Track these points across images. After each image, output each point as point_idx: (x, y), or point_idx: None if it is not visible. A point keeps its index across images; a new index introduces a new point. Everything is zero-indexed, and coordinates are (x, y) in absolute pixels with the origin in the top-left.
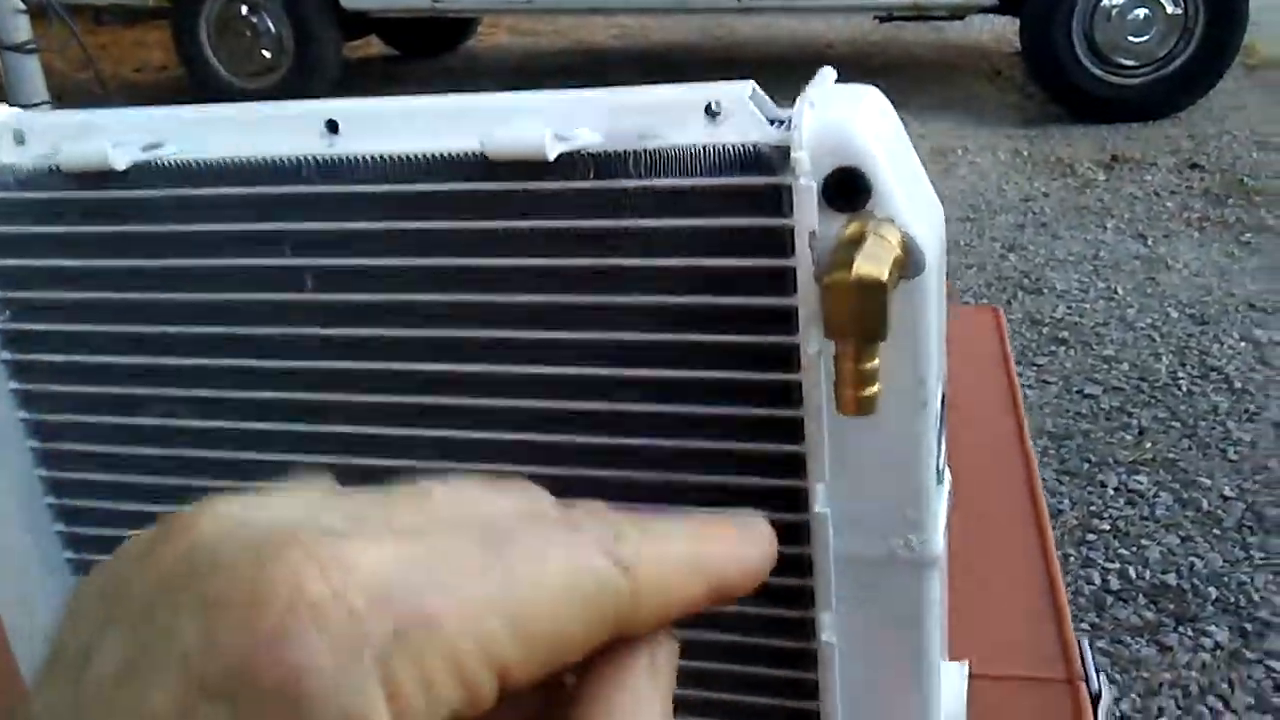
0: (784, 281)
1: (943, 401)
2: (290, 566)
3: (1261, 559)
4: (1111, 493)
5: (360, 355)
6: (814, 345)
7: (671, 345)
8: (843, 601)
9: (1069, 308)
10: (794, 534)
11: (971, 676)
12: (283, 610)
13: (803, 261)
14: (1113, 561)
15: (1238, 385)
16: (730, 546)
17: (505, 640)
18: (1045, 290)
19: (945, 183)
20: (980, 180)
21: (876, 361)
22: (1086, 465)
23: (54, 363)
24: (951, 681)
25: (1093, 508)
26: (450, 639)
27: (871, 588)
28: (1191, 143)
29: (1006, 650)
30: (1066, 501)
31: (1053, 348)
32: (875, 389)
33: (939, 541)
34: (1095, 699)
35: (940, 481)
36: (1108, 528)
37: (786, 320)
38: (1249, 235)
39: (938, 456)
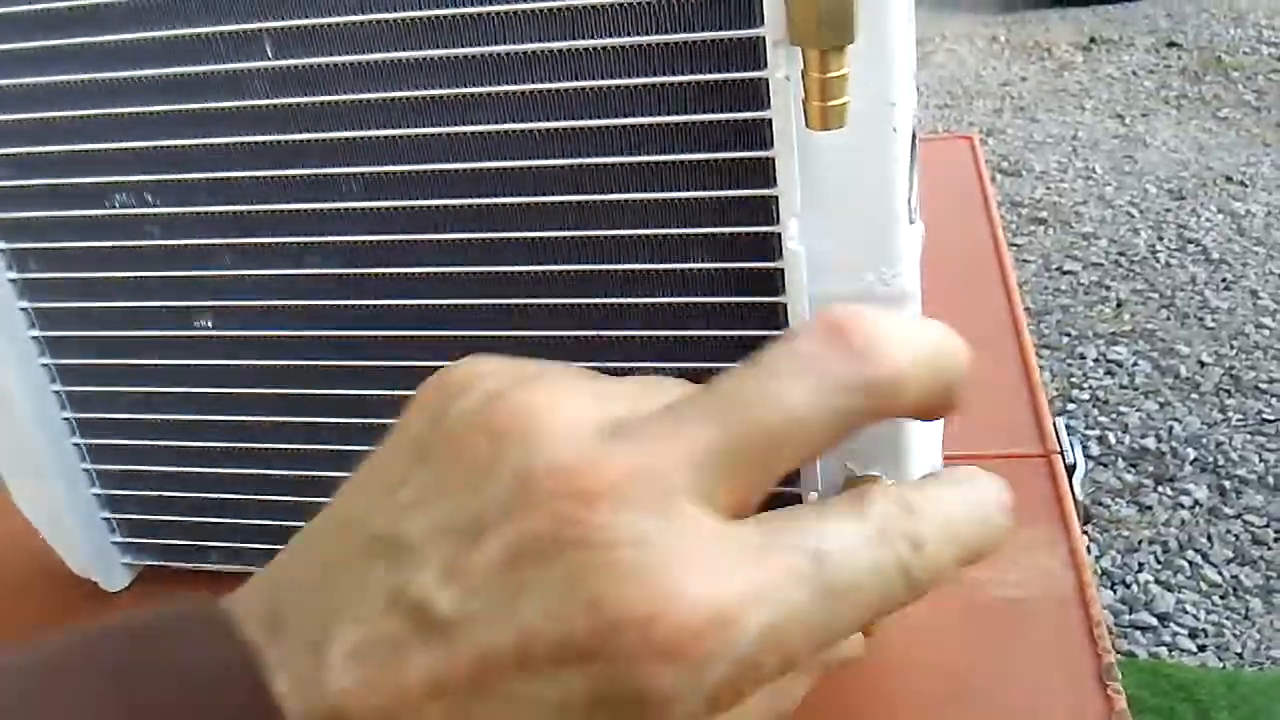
0: (750, 10)
1: (913, 139)
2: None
3: (1239, 420)
4: (1091, 364)
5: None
6: (781, 69)
7: (638, 87)
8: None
9: (1048, 188)
10: (768, 283)
11: (948, 458)
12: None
13: None
14: (1093, 429)
15: (1215, 256)
16: (987, 514)
17: (808, 643)
18: (1024, 172)
19: (923, 71)
20: (958, 68)
21: (845, 70)
22: (1066, 339)
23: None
24: (926, 438)
25: (1073, 379)
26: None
27: None
28: (1169, 21)
29: (982, 431)
30: (1047, 374)
31: (1032, 228)
32: (844, 100)
33: (914, 276)
34: (1070, 470)
35: (913, 221)
36: (1087, 397)
37: (756, 55)
38: (1226, 111)
39: (910, 191)
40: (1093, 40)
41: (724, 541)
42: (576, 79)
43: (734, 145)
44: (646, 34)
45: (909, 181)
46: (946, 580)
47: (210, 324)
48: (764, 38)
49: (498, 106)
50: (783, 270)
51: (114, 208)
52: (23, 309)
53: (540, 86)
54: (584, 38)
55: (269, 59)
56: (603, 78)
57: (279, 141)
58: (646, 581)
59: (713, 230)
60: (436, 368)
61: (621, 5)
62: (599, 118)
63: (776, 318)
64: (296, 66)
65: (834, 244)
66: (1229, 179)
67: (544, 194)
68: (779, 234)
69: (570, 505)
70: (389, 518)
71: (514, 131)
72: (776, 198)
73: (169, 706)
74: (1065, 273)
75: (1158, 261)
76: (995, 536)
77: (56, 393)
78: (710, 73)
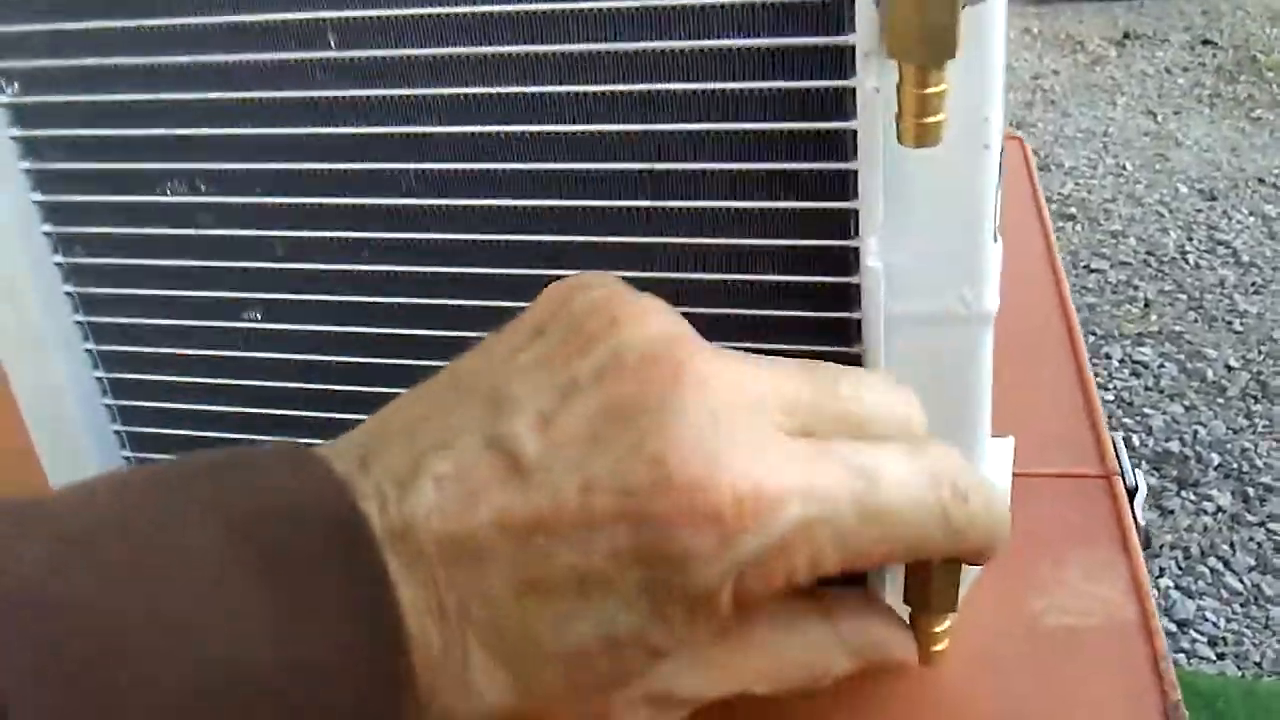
0: (839, 15)
1: (1001, 154)
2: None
3: (1265, 427)
4: (1116, 364)
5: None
6: (871, 80)
7: (718, 94)
8: (890, 366)
9: (1077, 184)
10: (843, 297)
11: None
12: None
13: None
14: (1116, 430)
15: (1245, 259)
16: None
17: (837, 552)
18: (1053, 167)
19: None
20: None
21: (943, 86)
22: (1092, 338)
23: (67, 137)
24: (998, 456)
25: (1098, 379)
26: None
27: (922, 349)
28: (1204, 19)
29: (1041, 448)
30: None
31: (1060, 224)
32: (940, 117)
33: (995, 298)
34: (1131, 493)
35: (996, 239)
36: (1112, 398)
37: (842, 63)
38: (1260, 111)
39: (996, 209)
40: (1126, 35)
41: (787, 446)
42: (653, 81)
43: (815, 156)
44: (728, 37)
45: (996, 198)
46: (976, 548)
47: (259, 316)
48: (853, 46)
49: (572, 107)
50: (858, 286)
51: (165, 195)
52: (68, 293)
53: (616, 88)
54: (663, 39)
55: (332, 49)
56: (681, 81)
57: (340, 135)
58: (707, 453)
59: (787, 242)
60: None
61: (702, 7)
62: (675, 122)
63: (849, 334)
64: (361, 59)
65: (914, 262)
66: (1261, 181)
67: (614, 198)
68: (856, 248)
69: (659, 377)
70: (504, 376)
71: (586, 134)
72: (856, 211)
73: (261, 519)
74: (1093, 270)
75: (1187, 263)
76: (1005, 540)
77: (99, 379)
78: (794, 80)
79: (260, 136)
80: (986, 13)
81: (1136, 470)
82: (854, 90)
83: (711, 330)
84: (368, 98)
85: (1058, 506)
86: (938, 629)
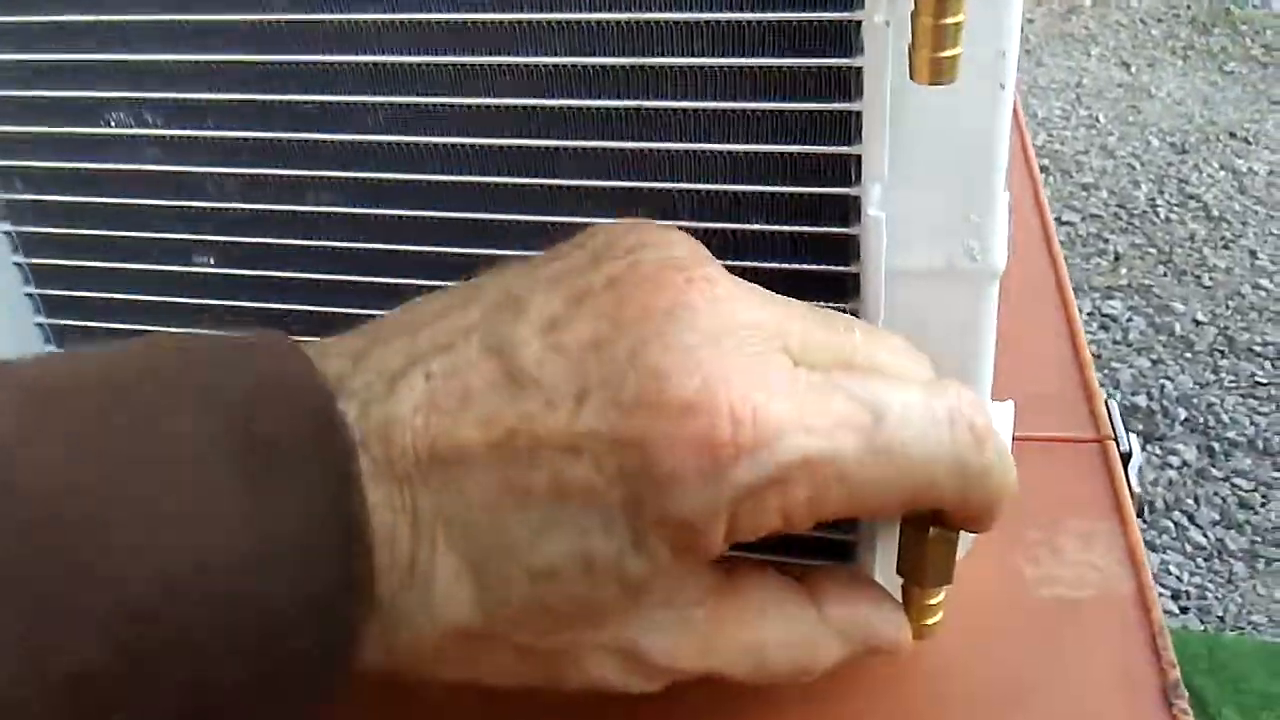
0: None
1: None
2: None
3: (1231, 381)
4: (1085, 317)
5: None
6: (881, 13)
7: (712, 25)
8: (891, 324)
9: (1049, 135)
10: (840, 249)
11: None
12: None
13: None
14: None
15: (1215, 213)
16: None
17: (840, 492)
18: (1026, 118)
19: None
20: None
21: (961, 16)
22: None
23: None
24: (999, 421)
25: None
26: (816, 474)
27: (924, 305)
28: None
29: (1033, 411)
30: None
31: None
32: (957, 50)
33: (1003, 252)
34: (1126, 458)
35: (1006, 189)
36: None
37: None
38: (1232, 64)
39: (1008, 156)
40: None
41: (795, 376)
42: (644, 10)
43: (815, 95)
44: None
45: (1008, 145)
46: (984, 502)
47: (212, 261)
48: None
49: (563, 36)
50: (857, 237)
51: (109, 127)
52: (5, 232)
53: (609, 16)
54: None
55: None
56: (674, 10)
57: (298, 64)
58: (707, 371)
59: (782, 189)
60: None
61: None
62: (666, 55)
63: (845, 289)
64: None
65: (919, 212)
66: (1232, 135)
67: (602, 138)
68: (856, 197)
69: (670, 284)
70: (519, 284)
71: (577, 67)
72: (858, 157)
73: (243, 408)
74: (1064, 223)
75: (1157, 216)
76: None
77: (40, 325)
78: (796, 11)
79: (211, 64)
80: None
81: (1130, 435)
82: (859, 24)
83: None
84: (326, 21)
85: (1051, 471)
86: (932, 601)
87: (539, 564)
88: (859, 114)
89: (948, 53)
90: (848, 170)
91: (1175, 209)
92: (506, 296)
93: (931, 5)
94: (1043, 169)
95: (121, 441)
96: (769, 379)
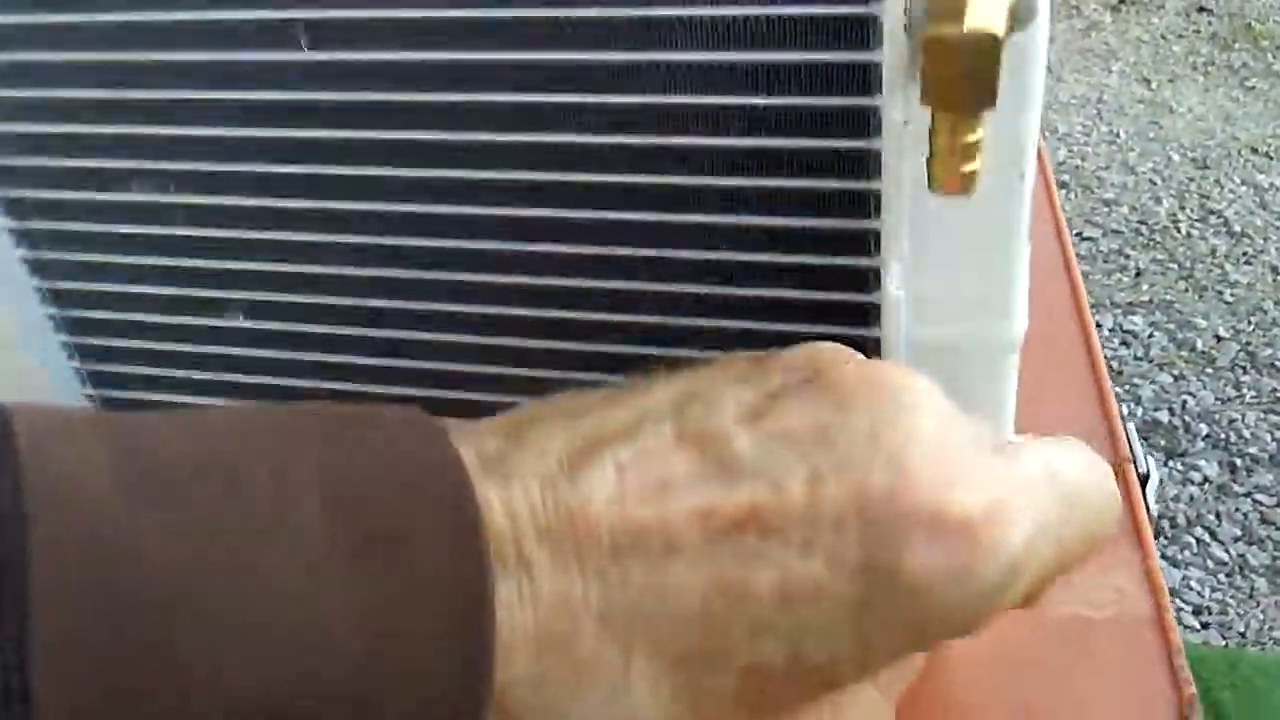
0: (864, 32)
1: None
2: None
3: (1253, 397)
4: (1107, 333)
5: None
6: (899, 112)
7: (733, 108)
8: None
9: (1070, 151)
10: (862, 316)
11: None
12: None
13: (890, 9)
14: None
15: (1237, 229)
16: None
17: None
18: (1047, 134)
19: None
20: None
21: (980, 134)
22: None
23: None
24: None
25: None
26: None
27: (944, 372)
28: None
29: (1051, 433)
30: None
31: None
32: (975, 165)
33: (1023, 321)
34: (1144, 480)
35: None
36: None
37: (865, 80)
38: (1254, 80)
39: (1028, 231)
40: (1122, 0)
41: (995, 461)
42: (674, 93)
43: (838, 173)
44: (752, 50)
45: (1027, 224)
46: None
47: (242, 317)
48: (878, 64)
49: (588, 117)
50: (878, 305)
51: (131, 193)
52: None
53: (639, 100)
54: (687, 50)
55: (304, 51)
56: (704, 94)
57: (316, 139)
58: (944, 462)
59: (807, 259)
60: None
61: (725, 19)
62: (695, 135)
63: (866, 353)
64: (335, 62)
65: (940, 291)
66: (1254, 150)
67: (631, 210)
68: (876, 268)
69: (883, 383)
70: (695, 384)
71: (606, 146)
72: (877, 231)
73: (368, 494)
74: (1085, 239)
75: (1179, 231)
76: None
77: (76, 370)
78: (818, 96)
79: (230, 138)
80: (1029, 41)
81: (1149, 457)
82: (877, 109)
83: (724, 345)
84: (341, 101)
85: None
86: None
87: (748, 664)
88: (879, 192)
89: (966, 168)
90: (868, 242)
91: (1196, 224)
92: (685, 394)
93: (948, 124)
94: (1063, 185)
95: (235, 514)
96: (992, 469)
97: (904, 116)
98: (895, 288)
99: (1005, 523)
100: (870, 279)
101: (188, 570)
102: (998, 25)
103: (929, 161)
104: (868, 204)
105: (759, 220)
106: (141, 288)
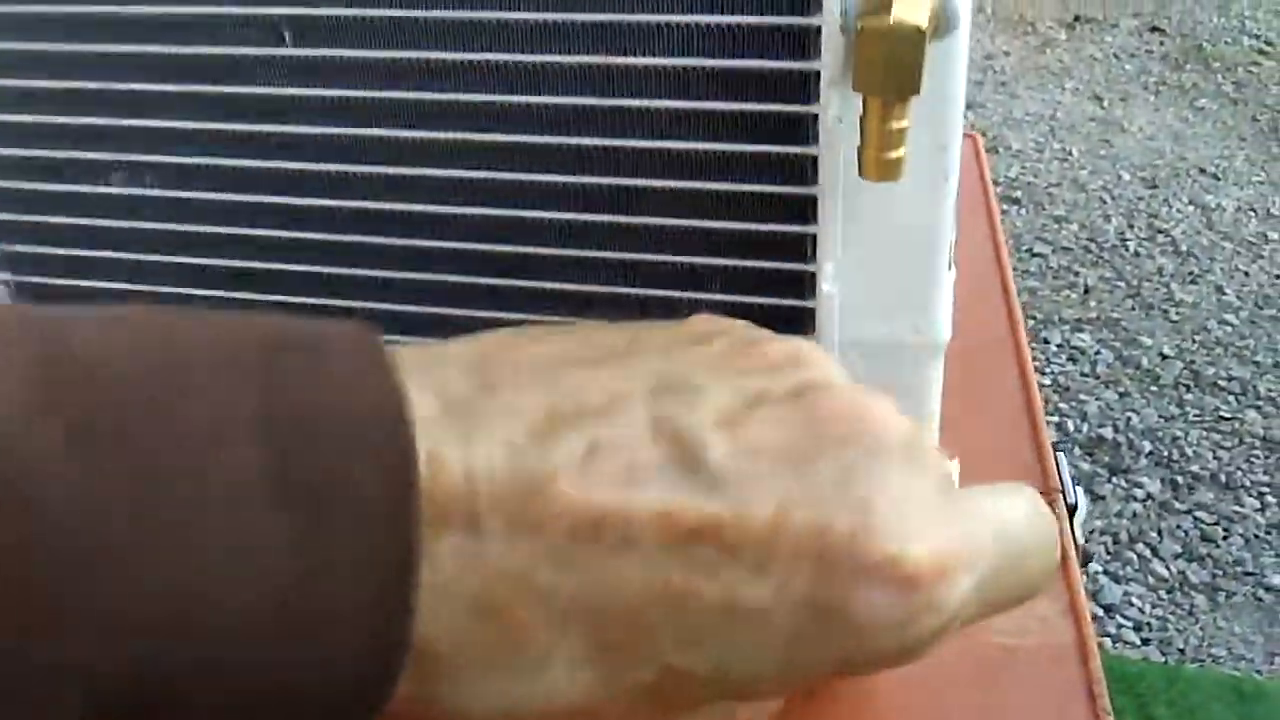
0: (804, 42)
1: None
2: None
3: (1196, 415)
4: (1054, 349)
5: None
6: (834, 109)
7: (680, 113)
8: None
9: (1023, 168)
10: (796, 321)
11: None
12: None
13: (828, 17)
14: (1052, 415)
15: (1183, 248)
16: None
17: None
18: (1000, 150)
19: None
20: None
21: (906, 121)
22: (1031, 322)
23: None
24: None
25: (1036, 363)
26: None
27: (872, 375)
28: (1154, 5)
29: (982, 463)
30: None
31: (1005, 207)
32: (901, 152)
33: (948, 326)
34: (1072, 510)
35: (950, 267)
36: (1049, 383)
37: (805, 87)
38: (1204, 101)
39: (952, 238)
40: (1077, 18)
41: (946, 509)
42: (618, 97)
43: (775, 179)
44: (694, 57)
45: (954, 226)
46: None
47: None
48: (818, 72)
49: (539, 119)
50: (813, 310)
51: (110, 186)
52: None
53: (577, 101)
54: (632, 55)
55: (287, 46)
56: (647, 98)
57: (296, 134)
58: (909, 512)
59: (741, 263)
60: None
61: (670, 26)
62: (639, 138)
63: None
64: (315, 58)
65: (868, 289)
66: (1202, 170)
67: (572, 211)
68: (811, 272)
69: (870, 419)
70: (676, 360)
71: (548, 145)
72: (814, 236)
73: (306, 438)
74: (1035, 255)
75: (1127, 250)
76: None
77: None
78: (757, 102)
79: (210, 131)
80: (950, 46)
81: (1076, 488)
82: (816, 116)
83: None
84: (323, 98)
85: None
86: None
87: (675, 665)
88: (815, 198)
89: (893, 154)
90: (805, 248)
91: (1144, 243)
92: (664, 375)
93: (879, 109)
94: (1016, 201)
95: (151, 457)
96: (945, 518)
97: (839, 113)
98: (829, 286)
99: (951, 578)
100: (806, 284)
101: (94, 491)
102: (921, 19)
103: (860, 150)
104: (806, 211)
105: (700, 224)
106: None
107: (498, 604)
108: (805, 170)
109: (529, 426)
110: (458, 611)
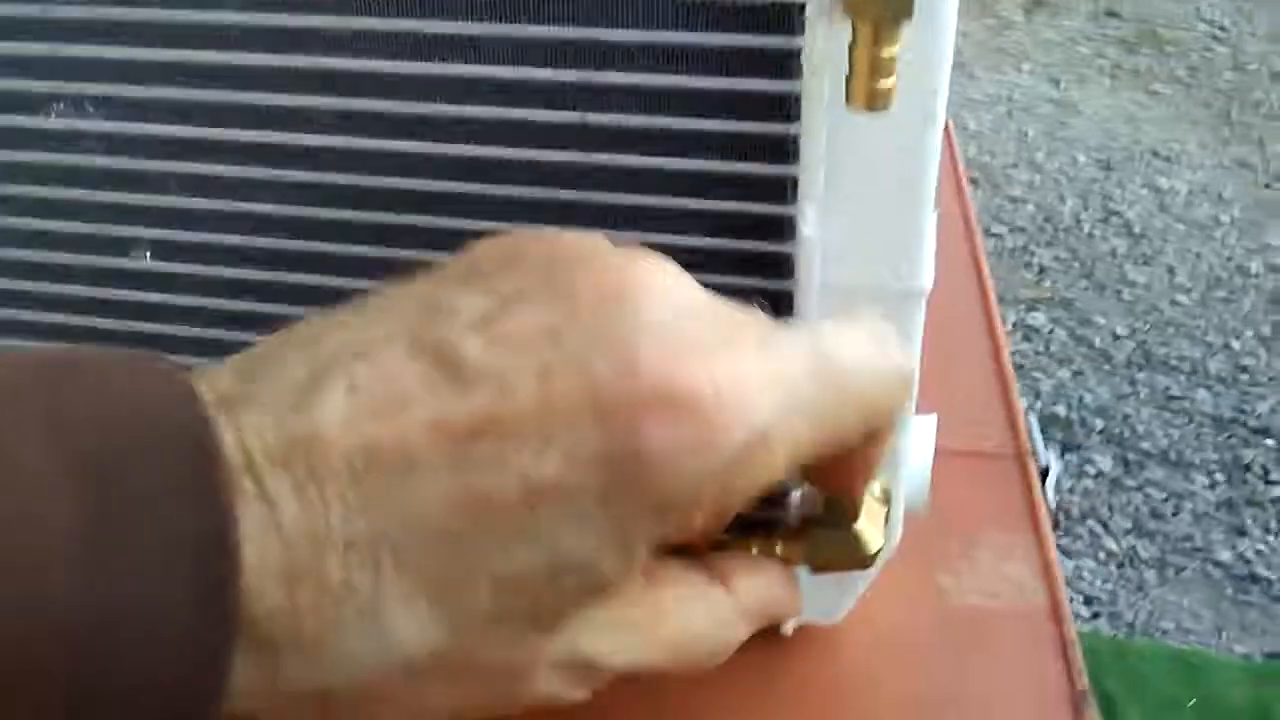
0: None
1: (945, 129)
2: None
3: (1147, 394)
4: (1009, 328)
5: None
6: (819, 41)
7: (659, 48)
8: None
9: (980, 148)
10: (775, 266)
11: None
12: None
13: None
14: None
15: (1137, 230)
16: None
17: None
18: (958, 130)
19: None
20: None
21: (897, 48)
22: None
23: None
24: (922, 433)
25: None
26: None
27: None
28: None
29: (954, 425)
30: None
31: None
32: (892, 81)
33: (930, 273)
34: (1044, 473)
35: (934, 209)
36: None
37: (788, 20)
38: (1158, 85)
39: (936, 183)
40: (1036, 2)
41: (739, 334)
42: (586, 25)
43: (755, 117)
44: None
45: (936, 174)
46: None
47: (149, 255)
48: (802, 4)
49: (504, 49)
50: (791, 255)
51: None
52: None
53: (555, 31)
54: None
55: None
56: (622, 27)
57: (246, 66)
58: (677, 342)
59: (719, 205)
60: None
61: None
62: (608, 69)
63: (779, 304)
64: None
65: (850, 233)
66: (1156, 154)
67: (542, 148)
68: (791, 216)
69: (617, 270)
70: (431, 291)
71: (520, 79)
72: (795, 177)
73: (91, 427)
74: (991, 234)
75: (1081, 231)
76: None
77: None
78: (735, 32)
79: (159, 61)
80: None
81: (1049, 450)
82: (799, 50)
83: None
84: (280, 26)
85: (969, 484)
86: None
87: (505, 574)
88: (797, 137)
89: (883, 83)
90: (785, 190)
91: (1099, 224)
92: (423, 305)
93: (869, 35)
94: (973, 181)
95: None
96: (733, 343)
97: (824, 45)
98: (810, 229)
99: (738, 396)
100: (786, 228)
101: None
102: None
103: (848, 80)
104: (786, 151)
105: (676, 164)
106: None
107: (308, 567)
108: (789, 109)
109: (291, 389)
110: (278, 585)
